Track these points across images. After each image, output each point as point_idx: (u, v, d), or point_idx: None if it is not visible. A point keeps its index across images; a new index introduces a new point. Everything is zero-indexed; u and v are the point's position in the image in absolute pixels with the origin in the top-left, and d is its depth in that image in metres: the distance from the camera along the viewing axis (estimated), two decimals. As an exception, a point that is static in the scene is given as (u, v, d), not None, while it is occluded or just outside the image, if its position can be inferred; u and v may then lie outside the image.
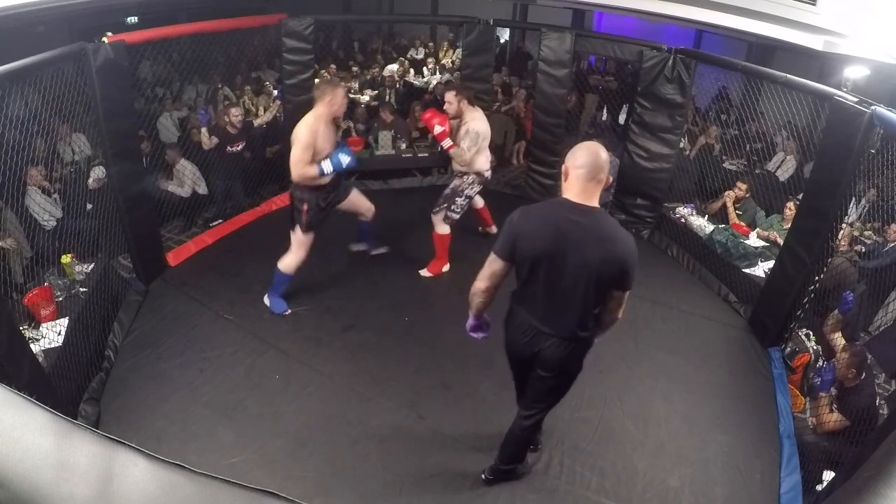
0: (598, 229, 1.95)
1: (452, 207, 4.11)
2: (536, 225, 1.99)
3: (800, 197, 4.46)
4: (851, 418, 2.86)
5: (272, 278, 3.77)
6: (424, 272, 4.36)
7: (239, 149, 5.03)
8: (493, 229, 4.75)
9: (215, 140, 4.97)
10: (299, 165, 3.37)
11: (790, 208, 4.44)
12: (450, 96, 3.95)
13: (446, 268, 4.38)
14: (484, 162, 4.04)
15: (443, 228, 4.18)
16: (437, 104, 6.62)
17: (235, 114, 4.95)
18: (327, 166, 3.47)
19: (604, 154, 1.97)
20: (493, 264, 2.10)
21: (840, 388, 3.02)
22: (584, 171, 1.94)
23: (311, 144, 3.38)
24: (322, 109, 3.44)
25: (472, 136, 3.86)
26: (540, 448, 2.87)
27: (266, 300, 3.87)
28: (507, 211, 2.12)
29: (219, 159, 4.95)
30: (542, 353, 2.17)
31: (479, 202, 4.62)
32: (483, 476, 2.67)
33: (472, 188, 4.11)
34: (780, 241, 4.45)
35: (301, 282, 3.96)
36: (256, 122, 5.40)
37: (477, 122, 3.89)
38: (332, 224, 3.85)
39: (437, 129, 3.87)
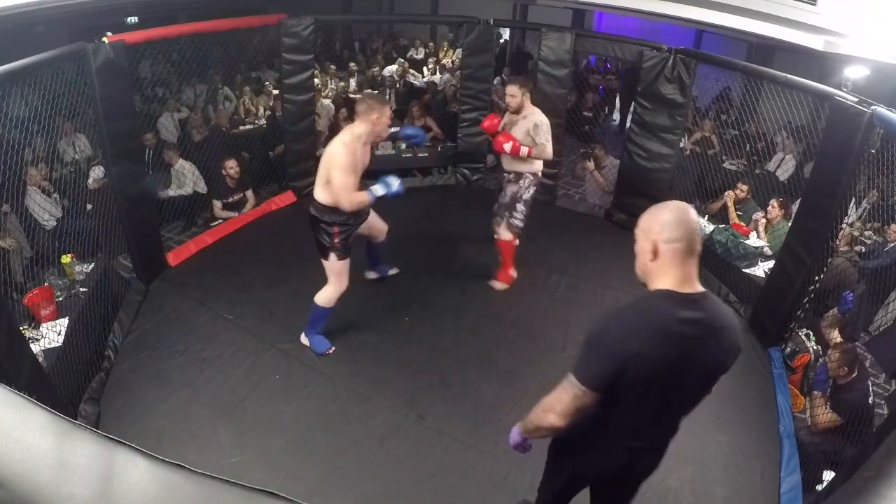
0: (714, 320, 1.51)
1: (514, 214, 3.87)
2: (650, 342, 1.46)
3: (781, 199, 4.48)
4: (844, 416, 2.86)
5: (308, 314, 3.37)
6: (496, 283, 4.12)
7: (237, 198, 5.03)
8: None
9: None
10: (347, 192, 2.99)
11: (773, 206, 4.46)
12: (513, 89, 3.69)
13: (515, 274, 4.13)
14: (541, 162, 3.84)
15: (506, 235, 3.96)
16: (436, 104, 6.65)
17: (231, 165, 4.91)
18: (378, 190, 3.12)
19: (694, 215, 1.54)
20: (580, 398, 1.52)
21: (833, 385, 3.03)
22: (681, 246, 1.48)
23: (354, 166, 2.99)
24: (363, 128, 3.02)
25: (545, 129, 3.66)
26: None
27: (304, 339, 3.48)
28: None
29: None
30: (635, 469, 1.82)
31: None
32: None
33: (528, 191, 3.86)
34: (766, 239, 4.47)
35: (302, 282, 3.97)
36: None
37: (540, 114, 3.71)
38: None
39: (508, 147, 3.64)
